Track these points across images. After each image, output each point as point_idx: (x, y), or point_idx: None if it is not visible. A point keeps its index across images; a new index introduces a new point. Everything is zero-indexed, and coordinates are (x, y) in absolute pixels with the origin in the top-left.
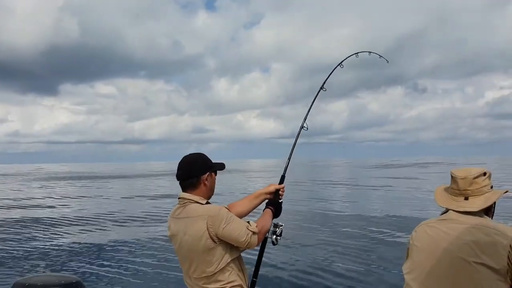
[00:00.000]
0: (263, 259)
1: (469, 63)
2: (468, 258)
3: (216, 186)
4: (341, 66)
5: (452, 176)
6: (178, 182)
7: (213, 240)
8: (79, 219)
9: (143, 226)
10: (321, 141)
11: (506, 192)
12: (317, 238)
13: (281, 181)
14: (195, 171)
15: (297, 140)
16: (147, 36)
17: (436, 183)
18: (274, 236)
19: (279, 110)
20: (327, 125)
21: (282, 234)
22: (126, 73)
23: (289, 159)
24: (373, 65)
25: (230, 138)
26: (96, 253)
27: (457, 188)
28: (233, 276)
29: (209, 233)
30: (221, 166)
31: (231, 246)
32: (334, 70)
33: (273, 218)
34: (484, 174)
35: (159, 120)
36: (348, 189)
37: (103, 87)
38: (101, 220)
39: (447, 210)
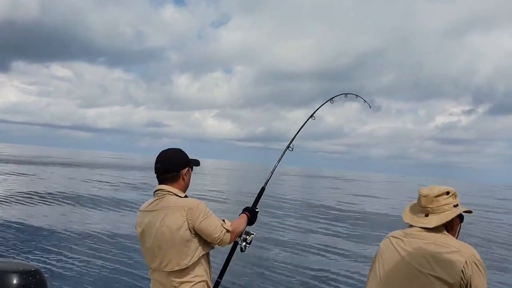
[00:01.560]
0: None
1: (424, 86)
2: (424, 270)
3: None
4: (332, 101)
5: (418, 193)
6: (156, 175)
7: (190, 232)
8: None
9: (105, 214)
10: (276, 147)
11: (467, 211)
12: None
13: (260, 192)
14: (175, 165)
15: (280, 158)
16: (110, 22)
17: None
18: (244, 243)
19: (238, 112)
20: (284, 132)
21: (252, 242)
22: (84, 58)
23: (272, 172)
24: (334, 79)
25: (186, 135)
26: (50, 240)
27: (420, 205)
28: (201, 270)
29: (188, 223)
30: (197, 163)
31: (204, 241)
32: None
33: (247, 225)
34: (447, 193)
35: (113, 109)
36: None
37: (59, 69)
38: (58, 205)
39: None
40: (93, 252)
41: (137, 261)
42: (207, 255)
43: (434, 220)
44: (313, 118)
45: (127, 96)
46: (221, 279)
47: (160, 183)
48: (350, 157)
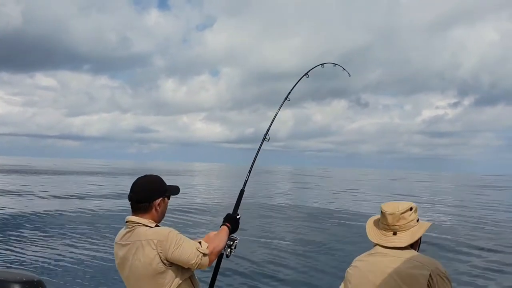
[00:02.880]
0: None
1: (410, 81)
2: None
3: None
4: (307, 76)
5: (381, 211)
6: (130, 204)
7: (164, 264)
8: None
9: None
10: (266, 147)
11: (431, 224)
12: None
13: (240, 196)
14: (148, 196)
15: (259, 150)
16: (94, 29)
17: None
18: (229, 250)
19: (226, 114)
20: (273, 132)
21: (237, 247)
22: (68, 66)
23: (249, 171)
24: (321, 77)
25: (174, 140)
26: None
27: (386, 223)
28: None
29: (159, 257)
30: (176, 190)
31: (182, 268)
32: (300, 80)
33: (230, 234)
34: (411, 209)
35: (100, 116)
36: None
37: (43, 79)
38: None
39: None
40: (95, 262)
41: None
42: (189, 278)
43: (404, 238)
44: (288, 99)
45: (113, 103)
46: None
47: (132, 212)
48: (339, 154)
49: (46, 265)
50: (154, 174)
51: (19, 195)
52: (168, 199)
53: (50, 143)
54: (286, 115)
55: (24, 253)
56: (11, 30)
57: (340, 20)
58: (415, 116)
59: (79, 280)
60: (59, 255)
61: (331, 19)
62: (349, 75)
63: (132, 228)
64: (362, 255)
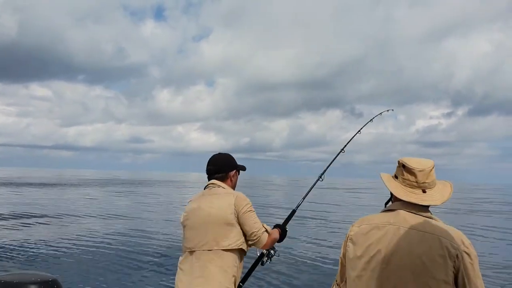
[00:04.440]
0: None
1: (403, 92)
2: (419, 271)
3: (153, 199)
4: (343, 152)
5: (406, 167)
6: (207, 176)
7: (235, 216)
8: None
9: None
10: (261, 157)
11: (452, 183)
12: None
13: (292, 213)
14: (225, 167)
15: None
16: (90, 40)
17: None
18: (266, 258)
19: (221, 124)
20: (268, 142)
21: (273, 259)
22: (63, 76)
23: (303, 198)
24: (315, 87)
25: (169, 150)
26: (70, 252)
27: (415, 181)
28: (235, 265)
29: (234, 209)
30: (243, 168)
31: (244, 236)
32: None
33: (277, 240)
34: (434, 166)
35: (95, 127)
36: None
37: (38, 89)
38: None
39: (388, 201)
40: (108, 262)
41: (153, 271)
42: (242, 256)
43: (436, 197)
44: (343, 152)
45: (108, 113)
46: (243, 284)
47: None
48: (333, 164)
49: (58, 263)
50: (225, 152)
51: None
52: (239, 173)
53: (45, 154)
54: (281, 124)
55: (36, 252)
56: (7, 40)
57: (335, 31)
58: (409, 126)
59: (93, 277)
60: (72, 253)
61: (326, 30)
62: (392, 110)
63: (214, 187)
64: (379, 218)
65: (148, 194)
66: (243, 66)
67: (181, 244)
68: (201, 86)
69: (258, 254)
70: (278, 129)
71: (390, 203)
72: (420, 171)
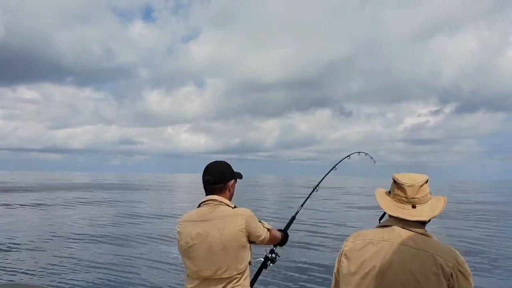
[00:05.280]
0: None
1: (392, 90)
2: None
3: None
4: (335, 169)
5: (396, 183)
6: (204, 186)
7: (247, 238)
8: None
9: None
10: (251, 157)
11: (446, 199)
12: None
13: (292, 219)
14: (223, 177)
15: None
16: (78, 42)
17: None
18: (269, 262)
19: (211, 125)
20: (259, 142)
21: (276, 263)
22: (51, 78)
23: (301, 206)
24: (305, 87)
25: (159, 151)
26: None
27: (405, 196)
28: (247, 277)
29: (246, 231)
30: (240, 176)
31: (251, 246)
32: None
33: (279, 244)
34: (427, 181)
35: (84, 129)
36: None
37: (26, 92)
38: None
39: (382, 216)
40: (101, 267)
41: (143, 279)
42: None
43: (426, 212)
44: (316, 190)
45: (97, 115)
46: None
47: (208, 193)
48: (322, 163)
49: (50, 273)
50: (222, 160)
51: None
52: (236, 181)
53: (34, 157)
54: (272, 125)
55: (27, 263)
56: None
57: (324, 31)
58: (397, 124)
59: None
60: (63, 261)
61: (315, 30)
62: (374, 163)
63: (215, 206)
64: (374, 234)
65: (136, 203)
66: (233, 67)
67: (186, 272)
68: (190, 87)
69: (263, 259)
70: (268, 129)
71: (385, 218)
72: (410, 186)
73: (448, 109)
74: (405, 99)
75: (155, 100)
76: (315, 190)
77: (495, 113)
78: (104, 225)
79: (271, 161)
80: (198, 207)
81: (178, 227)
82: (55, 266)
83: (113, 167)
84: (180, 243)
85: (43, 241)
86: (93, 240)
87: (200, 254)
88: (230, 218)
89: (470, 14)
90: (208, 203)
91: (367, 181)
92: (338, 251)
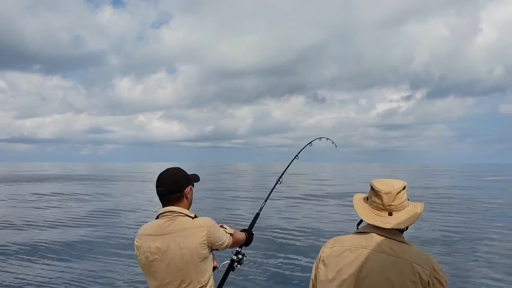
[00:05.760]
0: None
1: (364, 76)
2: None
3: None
4: (297, 158)
5: (373, 189)
6: (159, 198)
7: (209, 249)
8: None
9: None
10: (225, 145)
11: (423, 205)
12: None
13: (256, 217)
14: (178, 186)
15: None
16: (44, 28)
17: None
18: (236, 263)
19: (185, 112)
20: (233, 130)
21: (243, 263)
22: (17, 66)
23: (265, 200)
24: (278, 74)
25: (130, 140)
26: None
27: (381, 203)
28: (212, 286)
29: (207, 242)
30: (197, 178)
31: (213, 254)
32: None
33: (244, 245)
34: (404, 187)
35: (53, 118)
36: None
37: None
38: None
39: (360, 222)
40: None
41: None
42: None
43: (402, 219)
44: (279, 182)
45: (66, 103)
46: None
47: (164, 204)
48: (297, 149)
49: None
50: (174, 166)
51: None
52: (193, 186)
53: (0, 147)
54: (246, 112)
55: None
56: None
57: (297, 17)
58: (369, 110)
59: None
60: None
61: (288, 16)
62: (336, 147)
63: (173, 218)
64: (352, 240)
65: (105, 195)
66: (206, 53)
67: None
68: (162, 73)
69: (229, 261)
70: (242, 116)
71: (363, 224)
72: (386, 193)
73: (419, 94)
74: (377, 85)
75: (125, 87)
76: (279, 183)
77: (464, 98)
78: (72, 221)
79: (246, 148)
80: (156, 218)
81: (136, 241)
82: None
83: (83, 157)
84: (139, 258)
85: None
86: (57, 242)
87: (161, 269)
88: (190, 231)
89: (441, 0)
90: (166, 215)
91: (336, 167)
92: (311, 249)
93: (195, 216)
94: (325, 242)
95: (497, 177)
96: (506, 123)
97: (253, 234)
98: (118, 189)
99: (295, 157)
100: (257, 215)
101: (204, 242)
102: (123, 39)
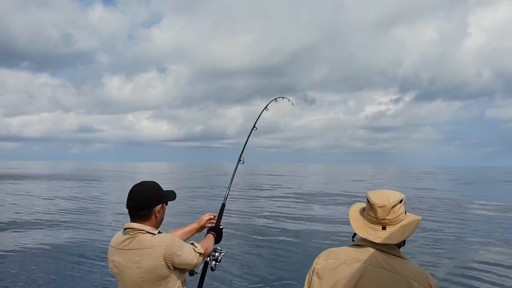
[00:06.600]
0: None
1: (354, 79)
2: None
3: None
4: (267, 109)
5: (369, 202)
6: (128, 210)
7: (169, 269)
8: None
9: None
10: (215, 145)
11: (420, 218)
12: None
13: (222, 209)
14: (148, 203)
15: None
16: (33, 25)
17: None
18: (214, 262)
19: (174, 112)
20: (223, 130)
21: (221, 260)
22: (5, 63)
23: (229, 188)
24: (269, 75)
25: (119, 139)
26: None
27: (375, 216)
28: None
29: (165, 262)
30: (172, 196)
31: (180, 271)
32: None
33: (215, 243)
34: (401, 201)
35: (41, 116)
36: None
37: None
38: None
39: (355, 234)
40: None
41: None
42: (184, 282)
43: (395, 235)
44: (255, 128)
45: (55, 102)
46: None
47: (132, 219)
48: (286, 150)
49: None
50: (150, 180)
51: None
52: (166, 204)
53: None
54: (236, 112)
55: None
56: None
57: (289, 19)
58: (358, 111)
59: None
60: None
61: (280, 18)
62: (293, 104)
63: (133, 235)
64: (348, 253)
65: (94, 195)
66: (196, 53)
67: None
68: (152, 73)
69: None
70: (232, 117)
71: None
72: (380, 207)
73: (407, 97)
74: (367, 87)
75: (115, 86)
76: (241, 162)
77: (452, 101)
78: (50, 222)
79: (235, 149)
80: (124, 229)
81: (109, 249)
82: None
83: (71, 156)
84: (109, 266)
85: None
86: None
87: (123, 282)
88: (147, 251)
89: (430, 4)
90: (128, 232)
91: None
92: (296, 246)
93: (159, 232)
94: (313, 244)
95: (483, 179)
96: (493, 127)
97: (221, 228)
98: (104, 188)
99: (253, 128)
100: (223, 205)
101: (162, 262)
102: (114, 38)
